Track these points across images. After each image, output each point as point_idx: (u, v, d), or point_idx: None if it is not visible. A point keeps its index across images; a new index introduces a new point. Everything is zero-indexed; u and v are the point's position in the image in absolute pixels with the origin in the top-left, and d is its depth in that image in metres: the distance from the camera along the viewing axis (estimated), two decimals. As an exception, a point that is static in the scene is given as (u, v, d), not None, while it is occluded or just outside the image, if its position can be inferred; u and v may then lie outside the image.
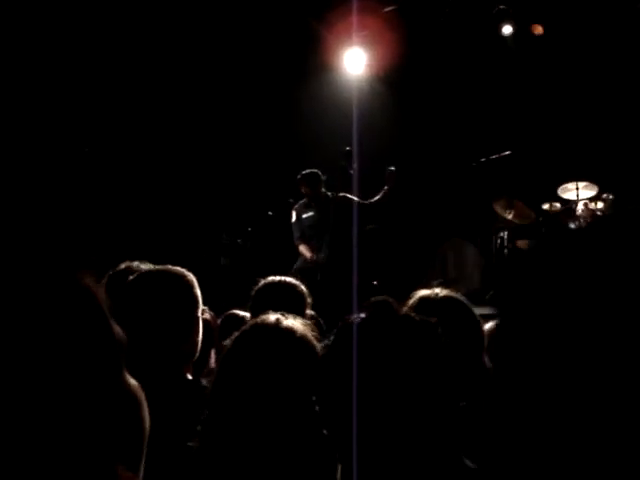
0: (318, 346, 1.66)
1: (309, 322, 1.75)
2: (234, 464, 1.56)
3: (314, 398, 1.53)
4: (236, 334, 1.71)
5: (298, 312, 2.73)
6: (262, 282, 2.92)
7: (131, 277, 2.10)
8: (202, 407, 1.92)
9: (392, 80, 8.56)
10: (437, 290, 2.19)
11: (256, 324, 1.71)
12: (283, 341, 1.65)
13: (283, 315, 1.73)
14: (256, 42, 8.10)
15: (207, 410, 1.67)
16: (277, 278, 2.95)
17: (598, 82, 7.69)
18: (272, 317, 1.72)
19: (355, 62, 8.21)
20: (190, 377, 2.13)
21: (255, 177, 8.28)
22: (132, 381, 1.05)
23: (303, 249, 6.81)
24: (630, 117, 7.49)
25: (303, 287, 2.93)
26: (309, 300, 2.91)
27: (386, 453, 1.32)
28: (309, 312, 2.85)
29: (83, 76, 7.35)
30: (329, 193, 6.84)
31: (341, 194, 6.70)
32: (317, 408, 1.51)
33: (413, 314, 1.44)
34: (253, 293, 2.88)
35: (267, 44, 8.16)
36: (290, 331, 1.67)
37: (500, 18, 8.04)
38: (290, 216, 7.03)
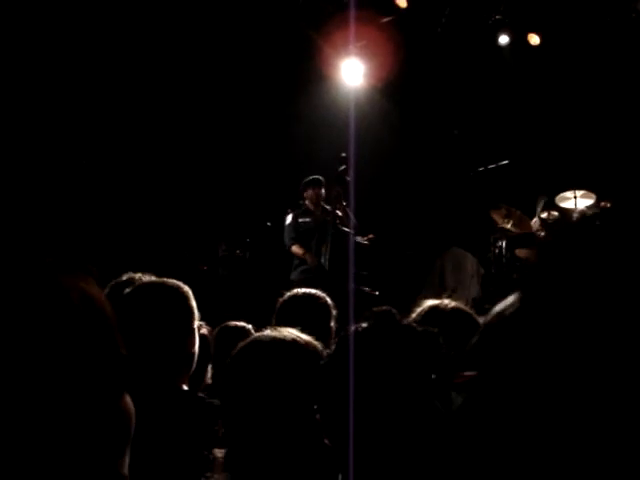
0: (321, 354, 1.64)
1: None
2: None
3: (315, 407, 1.52)
4: (236, 350, 1.69)
5: (323, 324, 2.72)
6: (287, 294, 2.89)
7: (127, 290, 2.11)
8: (198, 418, 1.92)
9: (389, 90, 8.57)
10: (446, 301, 2.19)
11: (257, 338, 1.69)
12: (289, 352, 1.63)
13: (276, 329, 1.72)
14: (254, 52, 8.11)
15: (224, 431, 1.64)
16: (302, 290, 2.93)
17: (595, 91, 7.71)
18: (270, 330, 1.70)
19: (352, 72, 8.22)
20: (186, 388, 2.13)
21: (253, 188, 8.29)
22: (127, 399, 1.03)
23: (297, 249, 6.82)
24: (627, 126, 7.51)
25: (328, 299, 2.89)
26: (334, 312, 2.87)
27: (383, 462, 1.31)
28: (333, 325, 2.80)
29: (81, 88, 7.36)
30: (327, 206, 6.87)
31: (336, 212, 6.73)
32: (318, 417, 1.50)
33: (415, 324, 1.43)
34: (278, 305, 2.84)
35: (264, 54, 8.18)
36: (295, 341, 1.66)
37: (497, 28, 8.07)
38: (284, 219, 7.04)
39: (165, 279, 2.15)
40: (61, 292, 0.90)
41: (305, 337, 1.68)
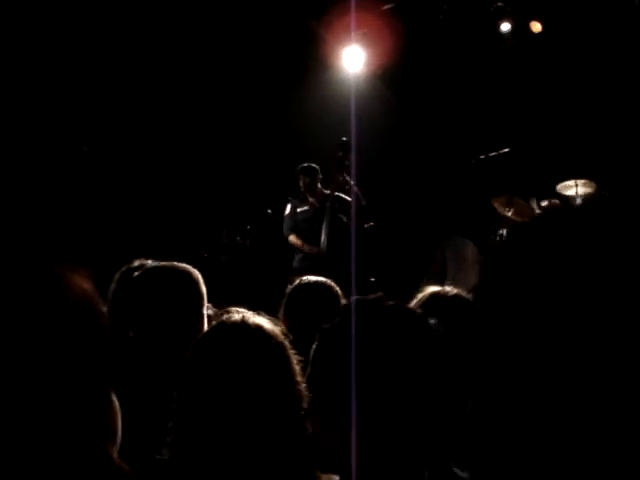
0: (287, 342, 1.63)
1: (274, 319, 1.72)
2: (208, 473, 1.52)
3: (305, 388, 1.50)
4: (201, 335, 1.67)
5: (333, 313, 2.71)
6: (297, 282, 2.87)
7: (137, 273, 2.10)
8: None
9: (390, 78, 8.55)
10: (447, 288, 2.19)
11: (222, 322, 1.67)
12: (251, 338, 1.62)
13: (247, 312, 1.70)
14: (254, 41, 8.09)
15: (174, 418, 1.61)
16: (313, 278, 2.90)
17: (597, 79, 7.69)
18: (237, 315, 1.69)
19: (353, 60, 8.20)
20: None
21: (254, 175, 8.29)
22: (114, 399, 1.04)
23: (293, 238, 6.88)
24: (629, 115, 7.50)
25: (338, 289, 2.87)
26: (344, 302, 2.85)
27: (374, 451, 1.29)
28: None
29: (82, 74, 7.35)
30: (325, 191, 6.90)
31: (337, 194, 6.74)
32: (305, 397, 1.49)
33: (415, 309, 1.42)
34: (287, 292, 2.83)
35: (265, 43, 8.16)
36: (258, 328, 1.64)
37: (498, 15, 8.04)
38: (284, 208, 7.08)
39: (175, 263, 2.14)
40: (59, 288, 0.93)
41: (270, 325, 1.67)
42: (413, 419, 1.27)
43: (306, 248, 6.77)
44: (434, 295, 2.17)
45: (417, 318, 1.38)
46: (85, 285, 0.97)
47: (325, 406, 1.34)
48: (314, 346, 1.40)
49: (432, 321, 1.40)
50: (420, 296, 2.18)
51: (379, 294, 1.46)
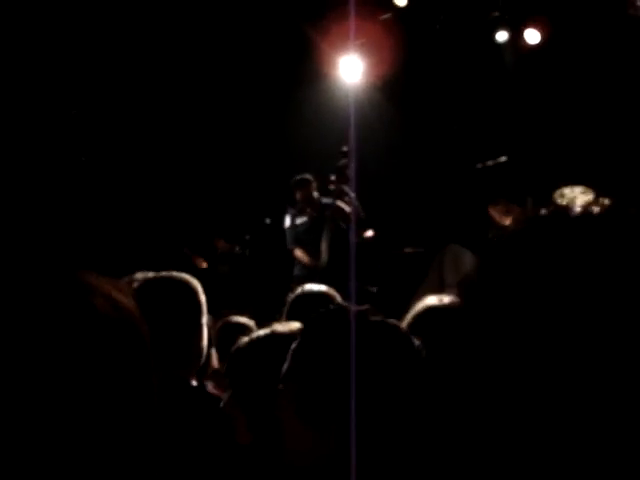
0: None
1: None
2: None
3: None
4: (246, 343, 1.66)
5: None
6: (300, 290, 2.89)
7: (136, 284, 2.10)
8: (207, 413, 1.92)
9: (388, 87, 8.57)
10: (444, 298, 2.16)
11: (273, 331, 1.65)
12: None
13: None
14: (251, 49, 8.10)
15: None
16: (314, 287, 2.92)
17: (594, 87, 7.72)
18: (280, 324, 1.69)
19: (351, 70, 8.21)
20: (195, 383, 2.13)
21: (252, 185, 8.29)
22: None
23: (299, 254, 6.86)
24: (627, 123, 7.52)
25: (339, 298, 2.88)
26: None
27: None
28: None
29: (80, 84, 7.35)
30: (323, 199, 6.89)
31: (337, 203, 6.73)
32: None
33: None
34: (290, 301, 2.84)
35: (262, 52, 8.17)
36: None
37: (494, 25, 8.07)
38: (283, 221, 7.08)
39: (174, 273, 2.14)
40: (89, 298, 0.80)
41: None
42: (388, 435, 1.27)
43: (308, 262, 6.77)
44: (431, 308, 2.12)
45: (400, 335, 1.38)
46: (130, 304, 0.82)
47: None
48: (293, 346, 1.39)
49: (416, 342, 1.39)
50: (417, 308, 2.13)
51: (366, 306, 1.45)
